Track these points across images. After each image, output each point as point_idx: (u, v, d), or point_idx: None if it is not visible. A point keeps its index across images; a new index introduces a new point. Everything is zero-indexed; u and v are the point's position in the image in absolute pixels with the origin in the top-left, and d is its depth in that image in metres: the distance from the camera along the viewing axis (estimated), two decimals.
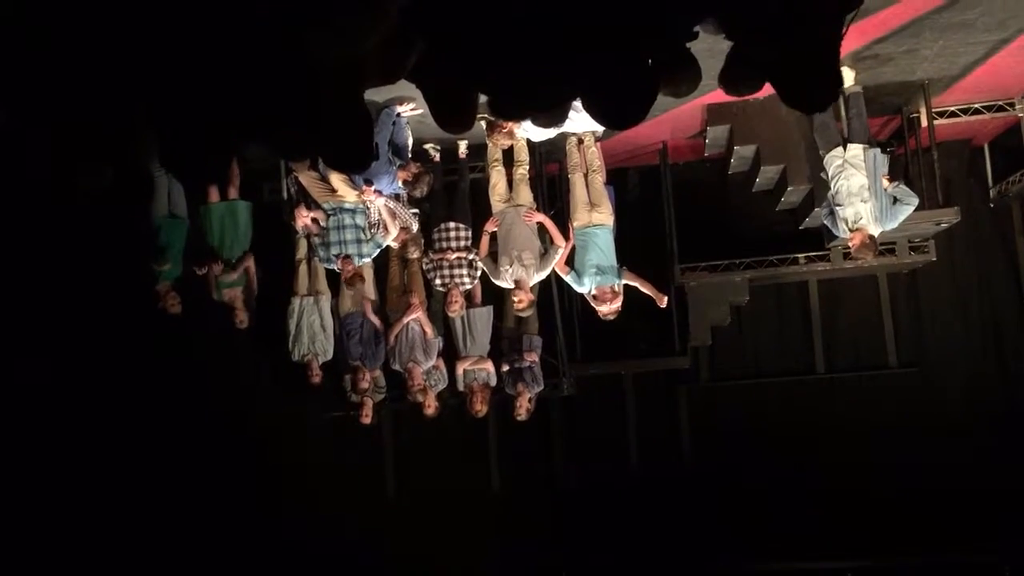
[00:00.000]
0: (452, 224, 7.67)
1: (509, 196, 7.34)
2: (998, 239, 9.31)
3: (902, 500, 8.73)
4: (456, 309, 7.65)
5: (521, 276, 7.11)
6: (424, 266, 7.76)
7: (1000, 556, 8.43)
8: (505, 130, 6.82)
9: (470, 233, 7.66)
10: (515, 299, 7.19)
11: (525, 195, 7.33)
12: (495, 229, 7.29)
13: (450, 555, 8.98)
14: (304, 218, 7.19)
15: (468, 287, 7.71)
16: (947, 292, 9.36)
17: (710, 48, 3.44)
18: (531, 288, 7.20)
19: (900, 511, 8.69)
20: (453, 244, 7.63)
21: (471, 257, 7.59)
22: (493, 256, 7.31)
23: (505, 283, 7.25)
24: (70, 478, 8.72)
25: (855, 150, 7.01)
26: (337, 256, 7.17)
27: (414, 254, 7.83)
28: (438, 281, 7.68)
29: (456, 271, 7.60)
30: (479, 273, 7.64)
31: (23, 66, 2.96)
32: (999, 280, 9.33)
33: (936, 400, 9.24)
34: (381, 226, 7.12)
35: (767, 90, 3.36)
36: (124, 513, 8.78)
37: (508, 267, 7.12)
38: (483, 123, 6.76)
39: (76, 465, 8.75)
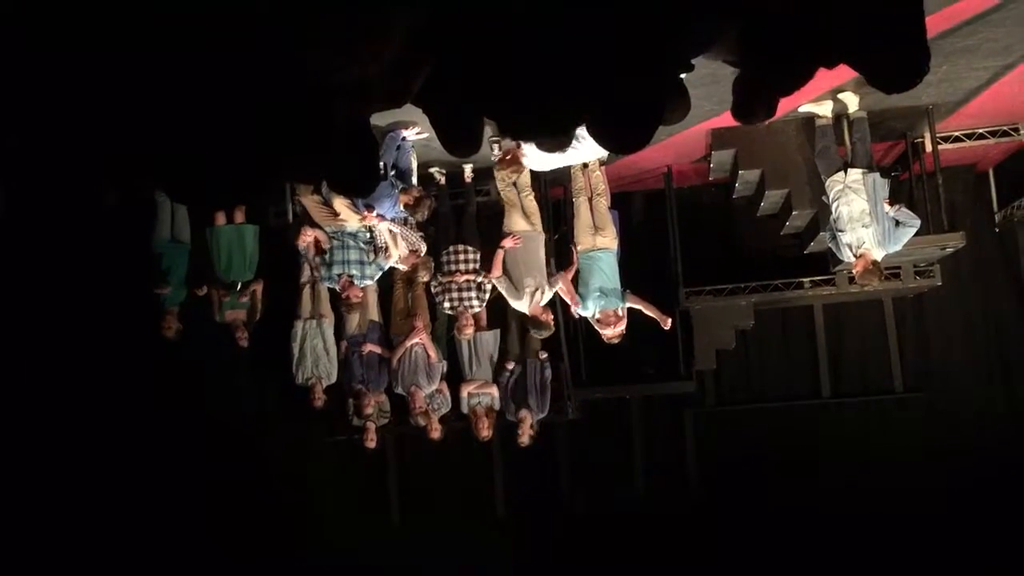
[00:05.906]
0: (461, 247, 7.67)
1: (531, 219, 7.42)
2: (1004, 264, 9.27)
3: (911, 527, 8.66)
4: (468, 332, 7.65)
5: (543, 297, 7.26)
6: (432, 289, 7.75)
7: None
8: (512, 162, 6.86)
9: (479, 256, 7.66)
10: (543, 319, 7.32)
11: (537, 222, 7.50)
12: (514, 245, 7.32)
13: None
14: (308, 236, 7.19)
15: (477, 310, 7.69)
16: (953, 317, 9.31)
17: (713, 74, 3.45)
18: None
19: (909, 538, 8.63)
20: (462, 267, 7.61)
21: (480, 280, 7.59)
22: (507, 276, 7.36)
23: (523, 304, 7.27)
24: (68, 502, 8.70)
25: (855, 175, 7.04)
26: (339, 276, 7.17)
27: (424, 277, 7.81)
28: (447, 304, 7.67)
29: (465, 294, 7.59)
30: (487, 296, 7.64)
31: (37, 89, 2.97)
32: (1005, 305, 9.28)
33: (942, 425, 9.18)
34: (384, 250, 7.13)
35: None
36: (124, 532, 8.76)
37: (532, 288, 7.18)
38: (492, 146, 6.79)
39: (74, 489, 8.73)
